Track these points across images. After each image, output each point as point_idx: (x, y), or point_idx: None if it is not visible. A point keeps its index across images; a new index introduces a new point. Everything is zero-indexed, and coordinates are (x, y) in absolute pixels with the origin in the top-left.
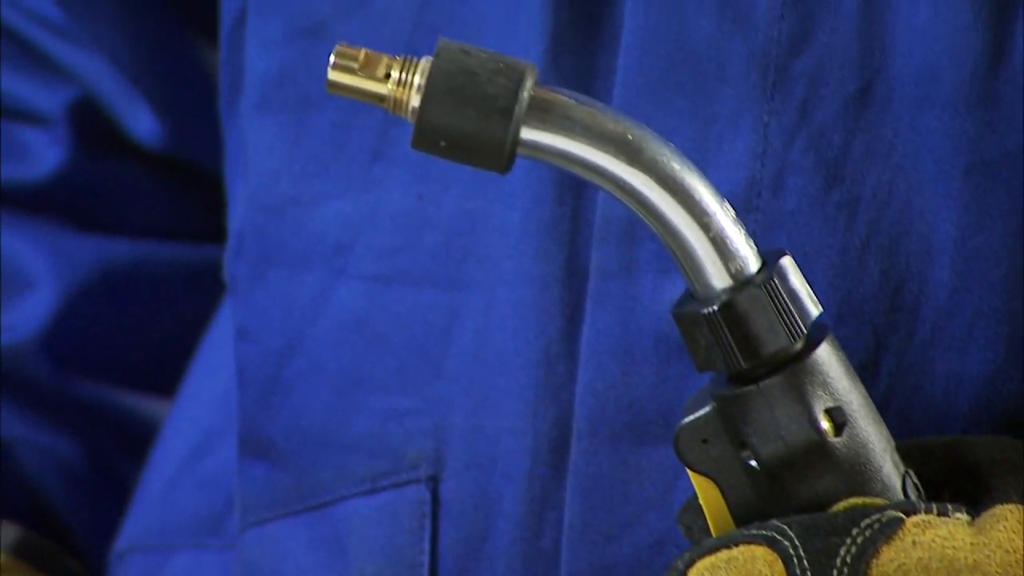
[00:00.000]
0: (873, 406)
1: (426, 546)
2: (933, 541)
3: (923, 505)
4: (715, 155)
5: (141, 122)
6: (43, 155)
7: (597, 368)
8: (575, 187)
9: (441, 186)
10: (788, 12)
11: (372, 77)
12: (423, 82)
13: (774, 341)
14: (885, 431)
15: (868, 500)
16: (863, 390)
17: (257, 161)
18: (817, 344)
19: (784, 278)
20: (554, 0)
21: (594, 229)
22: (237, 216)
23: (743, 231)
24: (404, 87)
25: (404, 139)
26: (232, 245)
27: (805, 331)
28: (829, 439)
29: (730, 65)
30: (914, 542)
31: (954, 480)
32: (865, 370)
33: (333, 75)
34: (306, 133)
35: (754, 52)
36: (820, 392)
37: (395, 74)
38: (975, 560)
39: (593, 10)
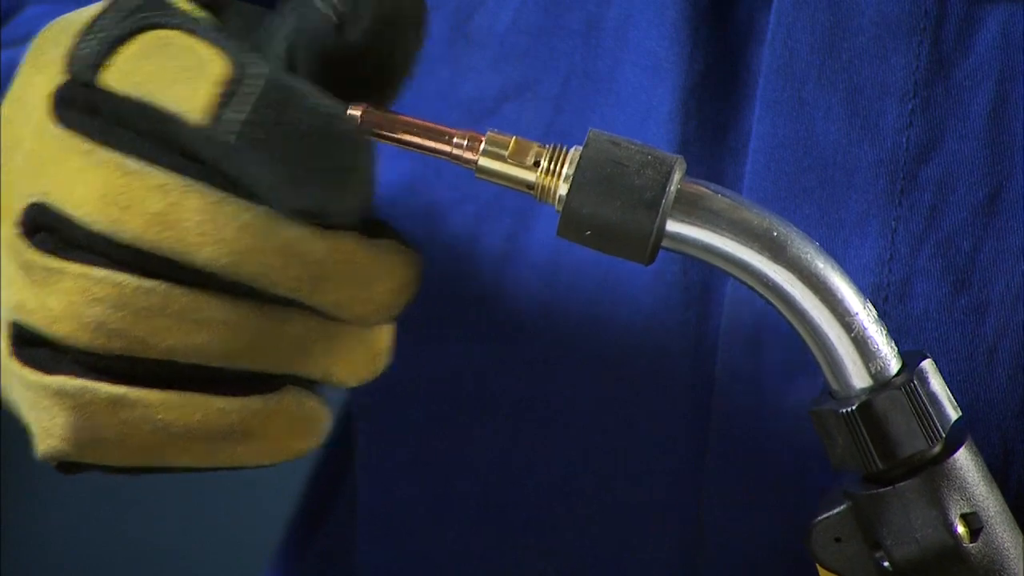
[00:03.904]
0: (1009, 512)
1: None
2: None
3: None
4: (842, 260)
5: None
6: None
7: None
8: (700, 291)
9: (568, 289)
10: (916, 119)
11: (521, 164)
12: (571, 171)
13: (912, 444)
14: (1020, 538)
15: None
16: (1000, 496)
17: None
18: (956, 448)
19: (924, 380)
20: (682, 108)
21: (720, 333)
22: None
23: (884, 332)
24: (552, 175)
25: (531, 243)
26: None
27: (944, 434)
28: (964, 544)
29: (858, 171)
30: None
31: None
32: (994, 475)
33: (483, 161)
34: (436, 239)
35: (882, 159)
36: (957, 497)
37: (544, 163)
38: None
39: (720, 118)
